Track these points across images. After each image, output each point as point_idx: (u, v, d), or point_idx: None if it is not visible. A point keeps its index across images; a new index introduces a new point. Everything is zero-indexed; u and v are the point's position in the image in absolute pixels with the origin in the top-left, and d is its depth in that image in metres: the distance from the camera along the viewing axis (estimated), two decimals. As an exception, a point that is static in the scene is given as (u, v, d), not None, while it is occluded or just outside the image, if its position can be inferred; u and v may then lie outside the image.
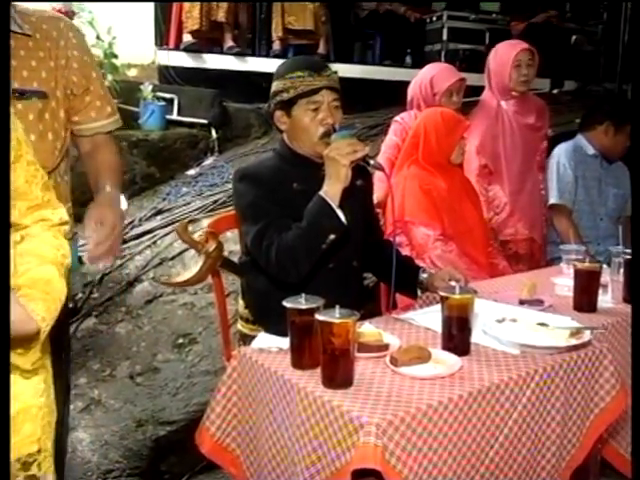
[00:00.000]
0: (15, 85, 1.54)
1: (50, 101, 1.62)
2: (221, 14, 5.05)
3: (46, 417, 1.20)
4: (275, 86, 1.85)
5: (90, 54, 1.76)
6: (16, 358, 1.08)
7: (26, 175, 1.15)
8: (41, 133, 1.60)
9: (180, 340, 2.97)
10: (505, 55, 2.91)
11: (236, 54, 5.20)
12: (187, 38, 5.09)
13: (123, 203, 1.73)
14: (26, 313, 1.04)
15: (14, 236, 1.15)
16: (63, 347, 1.71)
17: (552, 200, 2.95)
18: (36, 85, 1.59)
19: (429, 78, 2.94)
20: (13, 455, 1.12)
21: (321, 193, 1.70)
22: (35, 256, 1.12)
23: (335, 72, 1.87)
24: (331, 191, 1.68)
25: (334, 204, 1.68)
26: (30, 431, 1.15)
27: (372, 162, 1.80)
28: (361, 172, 1.93)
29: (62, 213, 1.22)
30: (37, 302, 1.07)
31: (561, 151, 3.00)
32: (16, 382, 1.14)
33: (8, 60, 0.98)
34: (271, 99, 1.87)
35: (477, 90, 3.15)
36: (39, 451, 1.17)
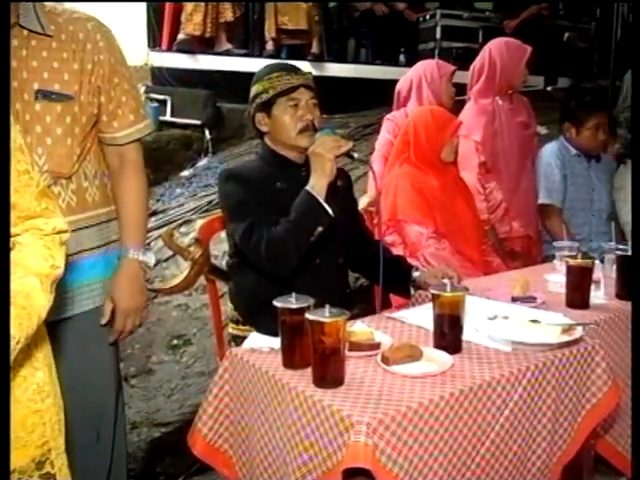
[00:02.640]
0: (35, 86, 1.49)
1: (73, 105, 1.53)
2: (229, 14, 5.05)
3: (54, 417, 1.21)
4: (254, 89, 1.91)
5: (118, 57, 1.62)
6: None
7: (16, 185, 1.12)
8: (59, 137, 1.52)
9: (174, 341, 2.96)
10: (520, 53, 2.93)
11: (232, 55, 5.20)
12: (181, 36, 5.08)
13: (150, 258, 1.67)
14: None
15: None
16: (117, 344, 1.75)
17: (541, 200, 2.96)
18: (57, 87, 1.51)
19: (433, 64, 3.06)
20: (27, 458, 1.15)
21: (307, 188, 1.74)
22: (20, 267, 1.10)
23: (310, 73, 1.96)
24: (317, 185, 1.73)
25: (321, 197, 1.72)
26: (40, 433, 1.17)
27: (356, 155, 1.83)
28: (342, 175, 1.99)
29: (57, 222, 1.19)
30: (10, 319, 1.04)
31: (547, 151, 3.00)
32: (27, 387, 1.15)
33: (8, 60, 0.96)
34: (251, 103, 1.93)
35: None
36: (50, 450, 1.19)
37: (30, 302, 1.08)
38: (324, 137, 1.78)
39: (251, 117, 1.94)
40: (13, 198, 1.11)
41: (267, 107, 1.87)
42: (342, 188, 1.99)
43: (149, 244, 3.55)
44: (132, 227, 1.67)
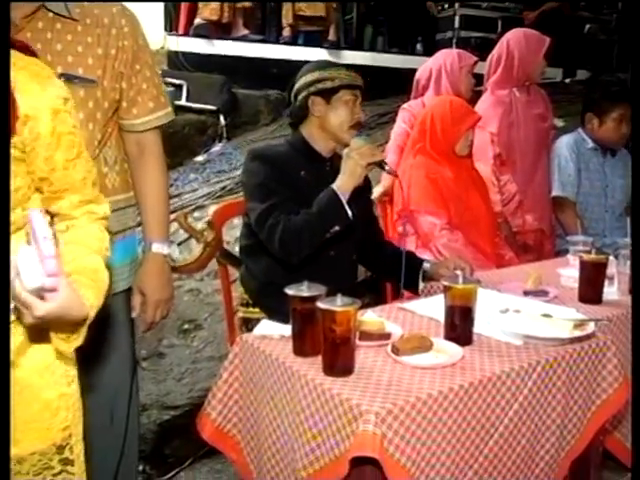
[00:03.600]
0: (59, 70, 1.45)
1: (95, 90, 1.52)
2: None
3: (77, 403, 1.23)
4: (314, 75, 1.94)
5: (141, 43, 1.60)
6: (60, 343, 1.08)
7: (84, 171, 1.18)
8: (81, 122, 1.46)
9: (185, 326, 2.98)
10: (538, 44, 2.89)
11: (248, 41, 5.19)
12: (198, 21, 5.07)
13: (174, 251, 1.69)
14: (79, 298, 1.04)
15: (59, 225, 1.18)
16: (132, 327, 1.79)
17: (554, 192, 2.93)
18: (81, 71, 1.49)
19: (454, 54, 3.02)
20: (49, 441, 1.16)
21: (334, 186, 1.78)
22: (82, 245, 1.14)
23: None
24: (344, 186, 1.77)
25: (344, 199, 1.76)
26: (63, 417, 1.18)
27: (387, 168, 1.89)
28: None
29: (106, 208, 1.25)
30: (87, 289, 1.08)
31: (562, 144, 2.96)
32: (55, 371, 1.17)
33: (8, 59, 0.97)
34: (307, 86, 1.94)
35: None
36: (70, 435, 1.20)
37: (98, 276, 1.13)
38: (360, 142, 1.83)
39: (302, 99, 1.94)
40: (80, 183, 1.17)
41: (328, 94, 1.92)
42: (361, 188, 2.00)
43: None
44: (154, 221, 1.68)
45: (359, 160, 1.76)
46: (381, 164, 1.84)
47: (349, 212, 1.77)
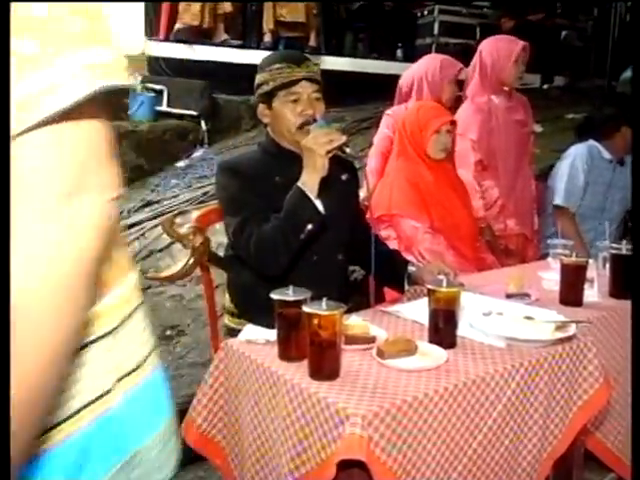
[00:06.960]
0: None
1: None
2: (228, 5, 5.04)
3: None
4: (257, 79, 1.88)
5: None
6: None
7: None
8: None
9: (168, 332, 2.96)
10: (506, 50, 2.92)
11: (228, 46, 5.20)
12: (179, 26, 5.07)
13: None
14: None
15: None
16: None
17: (557, 201, 2.96)
18: None
19: (437, 63, 2.99)
20: None
21: (299, 184, 1.69)
22: None
23: (316, 64, 1.89)
24: (309, 181, 1.68)
25: (312, 194, 1.67)
26: None
27: (348, 150, 1.76)
28: (347, 167, 1.97)
29: None
30: None
31: (577, 154, 2.99)
32: None
33: (8, 58, 0.89)
34: (254, 92, 1.90)
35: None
36: None
37: None
38: (317, 131, 1.72)
39: (255, 106, 1.92)
40: None
41: (268, 99, 1.84)
42: (345, 182, 1.94)
43: (143, 234, 3.56)
44: None
45: (317, 150, 1.65)
46: (341, 149, 1.71)
47: (319, 207, 1.67)
